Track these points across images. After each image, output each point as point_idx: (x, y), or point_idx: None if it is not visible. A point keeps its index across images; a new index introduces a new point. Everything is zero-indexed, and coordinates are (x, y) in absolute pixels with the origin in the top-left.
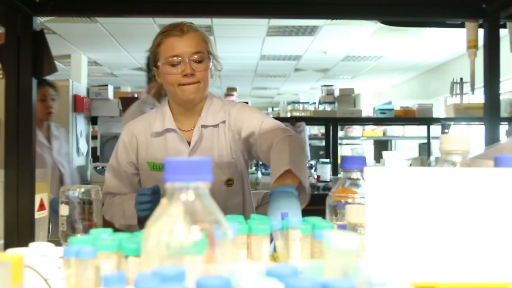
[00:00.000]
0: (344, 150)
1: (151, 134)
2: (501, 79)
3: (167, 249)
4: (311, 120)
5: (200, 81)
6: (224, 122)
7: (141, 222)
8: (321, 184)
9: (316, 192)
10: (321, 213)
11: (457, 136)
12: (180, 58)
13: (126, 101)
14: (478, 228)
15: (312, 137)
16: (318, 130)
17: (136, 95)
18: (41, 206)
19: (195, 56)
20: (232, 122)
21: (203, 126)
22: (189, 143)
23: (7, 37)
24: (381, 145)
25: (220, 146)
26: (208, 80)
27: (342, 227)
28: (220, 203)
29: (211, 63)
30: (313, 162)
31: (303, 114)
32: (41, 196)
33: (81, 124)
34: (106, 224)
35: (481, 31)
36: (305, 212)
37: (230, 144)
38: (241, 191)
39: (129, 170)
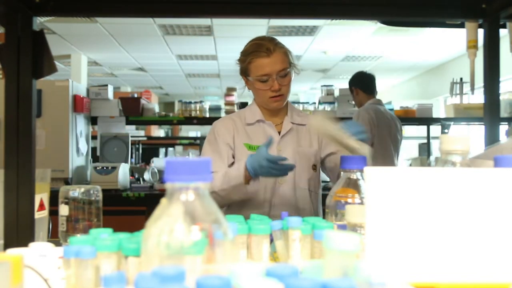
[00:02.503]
0: None
1: (245, 124)
2: (501, 79)
3: (167, 249)
4: None
5: (284, 93)
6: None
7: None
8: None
9: None
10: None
11: (457, 136)
12: (268, 76)
13: (126, 101)
14: (478, 228)
15: None
16: None
17: (136, 95)
18: (41, 206)
19: (281, 73)
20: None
21: (292, 123)
22: (278, 133)
23: (7, 37)
24: None
25: (306, 139)
26: (290, 89)
27: (342, 227)
28: (305, 184)
29: (293, 74)
30: None
31: None
32: (41, 196)
33: (81, 124)
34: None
35: (481, 31)
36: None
37: (317, 140)
38: (319, 178)
39: (226, 149)
